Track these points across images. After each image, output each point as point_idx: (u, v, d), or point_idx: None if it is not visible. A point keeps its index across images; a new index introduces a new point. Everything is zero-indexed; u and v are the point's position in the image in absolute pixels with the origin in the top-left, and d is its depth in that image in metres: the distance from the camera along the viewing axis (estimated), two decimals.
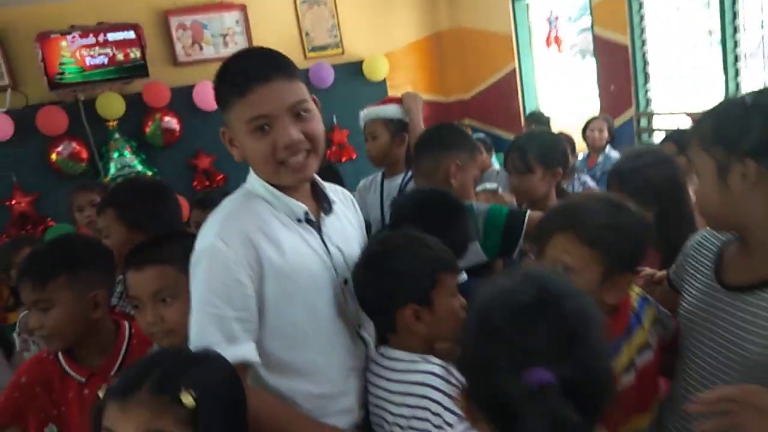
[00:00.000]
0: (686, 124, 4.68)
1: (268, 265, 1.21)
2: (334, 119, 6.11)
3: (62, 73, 4.97)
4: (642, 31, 4.74)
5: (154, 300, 1.37)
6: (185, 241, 1.39)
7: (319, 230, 1.34)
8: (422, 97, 6.67)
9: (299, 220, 1.31)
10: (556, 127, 5.55)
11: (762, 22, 4.12)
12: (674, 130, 3.39)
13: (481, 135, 5.99)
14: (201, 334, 1.16)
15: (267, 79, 1.21)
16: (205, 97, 5.51)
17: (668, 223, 1.73)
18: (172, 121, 5.45)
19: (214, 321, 1.16)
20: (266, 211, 1.28)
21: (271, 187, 1.29)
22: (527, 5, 5.98)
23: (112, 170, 5.27)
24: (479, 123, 6.83)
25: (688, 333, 1.28)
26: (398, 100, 2.51)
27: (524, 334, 0.76)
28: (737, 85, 4.20)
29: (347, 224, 1.44)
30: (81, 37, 5.00)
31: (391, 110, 2.44)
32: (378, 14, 6.49)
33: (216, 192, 4.05)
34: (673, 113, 4.76)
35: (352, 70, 6.23)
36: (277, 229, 1.26)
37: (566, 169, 2.22)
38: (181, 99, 5.46)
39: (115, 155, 5.26)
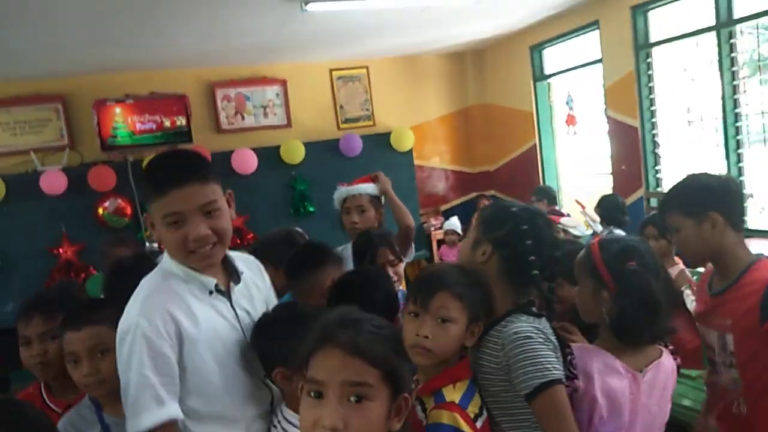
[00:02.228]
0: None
1: (186, 336, 1.43)
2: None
3: (114, 136, 5.53)
4: (652, 114, 4.95)
5: (91, 354, 1.60)
6: (115, 305, 1.65)
7: (229, 298, 1.56)
8: (449, 167, 6.98)
9: (211, 292, 1.51)
10: (566, 202, 5.74)
11: (763, 110, 4.28)
12: (653, 215, 3.57)
13: None
14: (135, 400, 1.38)
15: (182, 184, 1.41)
16: (243, 162, 5.98)
17: None
18: None
19: (145, 389, 1.37)
20: (181, 288, 1.48)
21: (183, 266, 1.50)
22: (548, 85, 6.30)
23: None
24: (503, 194, 7.06)
25: None
26: (368, 180, 2.77)
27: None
28: (740, 169, 4.33)
29: (254, 288, 1.65)
30: (133, 105, 5.56)
31: (372, 188, 2.72)
32: (409, 90, 6.93)
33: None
34: None
35: (381, 141, 6.61)
36: (192, 303, 1.47)
37: None
38: (221, 163, 5.89)
39: None
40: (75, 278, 5.41)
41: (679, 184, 1.91)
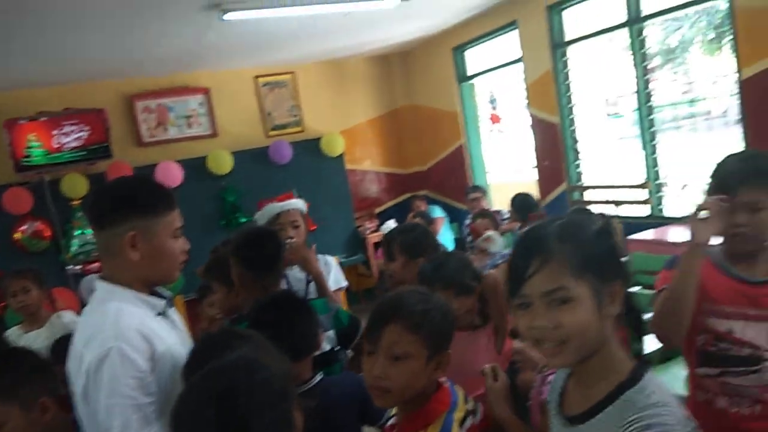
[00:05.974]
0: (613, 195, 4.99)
1: (157, 354, 1.43)
2: (294, 193, 6.38)
3: (28, 156, 5.25)
4: (570, 110, 5.11)
5: None
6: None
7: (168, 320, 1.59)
8: (381, 170, 6.95)
9: (158, 314, 1.54)
10: (497, 198, 5.88)
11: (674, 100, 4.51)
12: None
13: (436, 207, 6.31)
14: (124, 424, 1.36)
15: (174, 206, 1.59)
16: (167, 175, 5.79)
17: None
18: None
19: (134, 411, 1.36)
20: (137, 310, 1.48)
21: (130, 290, 1.50)
22: (472, 85, 6.41)
23: (74, 247, 5.48)
24: (436, 194, 7.14)
25: None
26: (292, 196, 2.78)
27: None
28: (654, 160, 4.54)
29: (175, 314, 1.68)
30: (47, 122, 5.30)
31: (302, 203, 2.72)
32: (337, 94, 6.90)
33: None
34: (602, 186, 5.09)
35: (311, 147, 6.56)
36: (152, 324, 1.48)
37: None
38: None
39: (77, 233, 5.48)
40: None
41: (749, 156, 1.71)
